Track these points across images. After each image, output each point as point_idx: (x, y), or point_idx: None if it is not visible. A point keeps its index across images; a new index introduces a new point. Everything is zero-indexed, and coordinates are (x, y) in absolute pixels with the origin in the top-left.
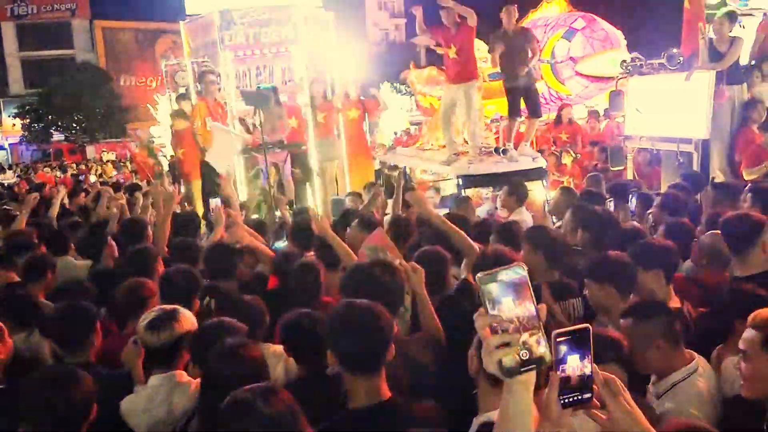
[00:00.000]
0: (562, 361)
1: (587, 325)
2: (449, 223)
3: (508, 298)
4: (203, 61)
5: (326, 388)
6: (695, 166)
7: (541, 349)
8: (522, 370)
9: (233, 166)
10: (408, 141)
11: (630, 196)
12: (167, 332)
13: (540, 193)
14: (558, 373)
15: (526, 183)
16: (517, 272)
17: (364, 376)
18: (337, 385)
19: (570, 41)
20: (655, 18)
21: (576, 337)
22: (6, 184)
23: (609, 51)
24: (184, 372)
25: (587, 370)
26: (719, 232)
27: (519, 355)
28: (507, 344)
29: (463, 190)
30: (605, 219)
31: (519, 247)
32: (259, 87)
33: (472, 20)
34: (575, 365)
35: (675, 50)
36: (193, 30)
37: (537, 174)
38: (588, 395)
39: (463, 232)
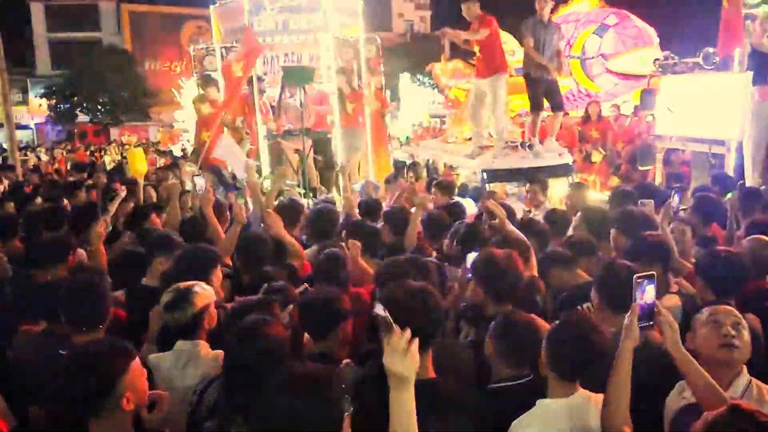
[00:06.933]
0: (642, 291)
1: (653, 271)
2: (517, 231)
3: None
4: (232, 47)
5: None
6: (728, 168)
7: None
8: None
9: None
10: (424, 134)
11: (672, 193)
12: (182, 312)
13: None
14: (636, 303)
15: (552, 179)
16: None
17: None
18: None
19: (601, 37)
20: (690, 16)
21: (649, 276)
22: (33, 165)
23: (641, 48)
24: (206, 344)
25: (652, 301)
26: (760, 237)
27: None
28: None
29: (487, 185)
30: (643, 220)
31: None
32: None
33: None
34: (650, 294)
35: (711, 50)
36: (222, 14)
37: (563, 170)
38: (651, 322)
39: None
